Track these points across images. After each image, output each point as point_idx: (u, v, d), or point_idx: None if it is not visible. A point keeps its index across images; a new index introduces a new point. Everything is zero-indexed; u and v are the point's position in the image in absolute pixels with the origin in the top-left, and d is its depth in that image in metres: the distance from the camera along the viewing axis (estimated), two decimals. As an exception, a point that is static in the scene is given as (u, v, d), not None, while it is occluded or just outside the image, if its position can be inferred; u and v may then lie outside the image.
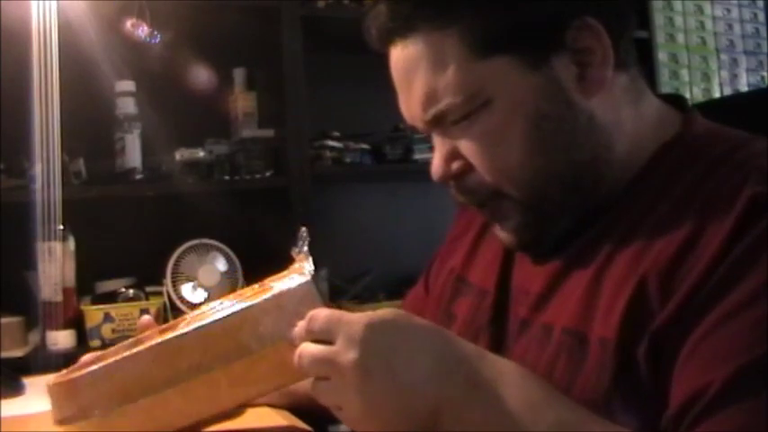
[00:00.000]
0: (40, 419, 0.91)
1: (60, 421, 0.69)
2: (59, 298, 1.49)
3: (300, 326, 0.62)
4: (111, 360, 0.69)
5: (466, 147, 0.67)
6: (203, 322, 0.68)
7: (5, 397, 1.00)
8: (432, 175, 0.70)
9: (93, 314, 1.56)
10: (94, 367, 0.69)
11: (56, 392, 0.70)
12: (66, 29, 1.40)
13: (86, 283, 1.64)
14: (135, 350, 0.69)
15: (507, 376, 0.57)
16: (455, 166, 0.68)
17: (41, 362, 1.36)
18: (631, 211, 0.65)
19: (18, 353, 1.48)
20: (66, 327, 1.52)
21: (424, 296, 0.89)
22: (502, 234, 0.71)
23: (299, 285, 0.67)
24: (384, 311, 0.59)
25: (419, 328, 0.59)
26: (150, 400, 0.67)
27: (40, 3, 1.35)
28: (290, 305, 0.65)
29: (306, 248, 0.71)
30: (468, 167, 0.68)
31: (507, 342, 0.70)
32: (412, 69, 0.67)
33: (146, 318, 0.81)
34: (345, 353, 0.57)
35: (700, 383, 0.52)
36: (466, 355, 0.58)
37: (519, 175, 0.66)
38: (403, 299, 0.98)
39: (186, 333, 0.68)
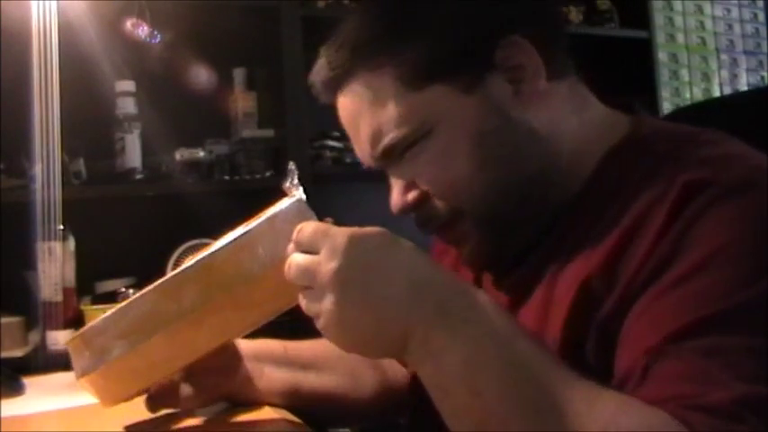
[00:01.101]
0: (40, 419, 0.91)
1: (82, 374, 0.71)
2: (59, 298, 1.48)
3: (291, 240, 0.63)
4: (120, 305, 0.71)
5: (418, 175, 0.70)
6: (203, 254, 0.70)
7: (5, 397, 1.00)
8: (392, 209, 0.73)
9: (93, 314, 1.55)
10: (106, 314, 0.71)
11: (74, 346, 0.71)
12: (66, 29, 1.40)
13: (86, 283, 1.64)
14: (142, 291, 0.71)
15: (479, 308, 0.57)
16: (411, 196, 0.72)
17: (41, 362, 1.35)
18: (583, 216, 0.67)
19: (18, 353, 1.47)
20: (66, 327, 1.52)
21: None
22: (464, 256, 0.73)
23: (291, 204, 0.68)
24: (371, 228, 0.60)
25: (402, 248, 0.60)
26: (162, 336, 0.69)
27: (40, 3, 1.35)
28: (284, 225, 0.66)
29: (296, 181, 0.72)
30: (424, 196, 0.71)
31: None
32: (356, 113, 0.71)
33: None
34: (326, 263, 0.58)
35: (639, 350, 0.54)
36: (442, 281, 0.59)
37: (471, 192, 0.68)
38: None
39: (188, 266, 0.70)
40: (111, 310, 0.71)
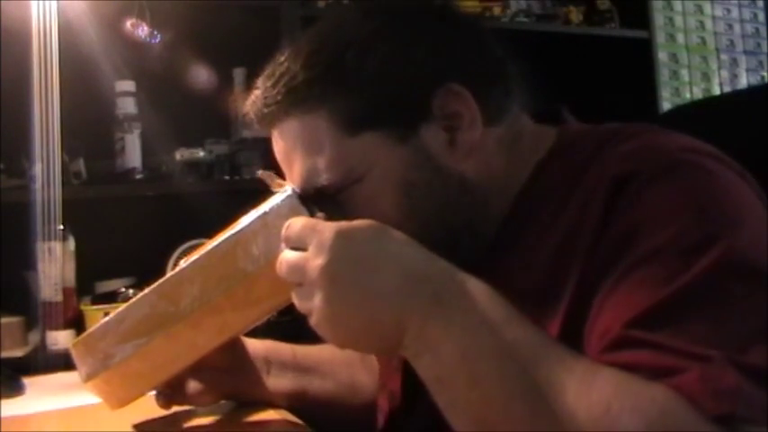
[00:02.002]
0: (40, 419, 0.91)
1: (87, 378, 0.72)
2: (59, 298, 1.48)
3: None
4: (118, 311, 0.71)
5: (348, 219, 0.68)
6: (199, 254, 0.71)
7: (5, 397, 1.00)
8: None
9: (93, 314, 1.55)
10: (106, 318, 0.71)
11: (77, 351, 0.72)
12: (66, 29, 1.40)
13: (86, 283, 1.64)
14: (139, 294, 0.71)
15: (473, 296, 0.57)
16: None
17: (41, 362, 1.35)
18: (518, 235, 0.67)
19: (18, 353, 1.47)
20: (66, 327, 1.52)
21: None
22: None
23: (282, 201, 0.68)
24: (360, 221, 0.60)
25: (392, 239, 0.59)
26: (162, 337, 0.70)
27: (40, 3, 1.35)
28: (276, 221, 0.66)
29: (275, 179, 0.74)
30: None
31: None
32: (290, 151, 0.70)
33: None
34: (315, 258, 0.58)
35: (603, 342, 0.54)
36: (435, 271, 0.58)
37: None
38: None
39: (184, 267, 0.71)
40: (110, 314, 0.72)
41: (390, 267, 0.58)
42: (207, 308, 0.69)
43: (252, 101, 0.73)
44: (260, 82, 0.73)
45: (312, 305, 0.58)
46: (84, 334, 0.73)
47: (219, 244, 0.70)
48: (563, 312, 0.60)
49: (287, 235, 0.62)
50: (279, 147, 0.72)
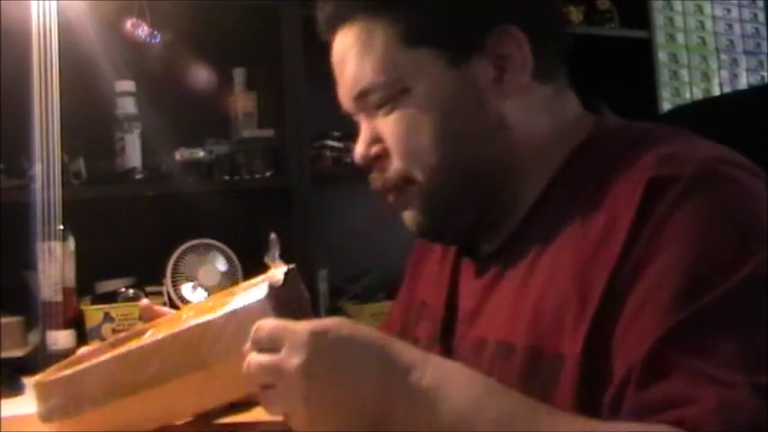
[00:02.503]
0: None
1: (44, 418, 0.74)
2: (59, 298, 1.48)
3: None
4: (81, 366, 0.74)
5: (384, 130, 0.72)
6: (163, 334, 0.72)
7: (5, 397, 1.00)
8: (354, 156, 0.76)
9: (93, 314, 1.56)
10: (68, 372, 0.74)
11: (39, 391, 0.75)
12: (66, 29, 1.40)
13: (86, 283, 1.64)
14: (103, 358, 0.74)
15: (452, 377, 0.57)
16: (374, 149, 0.74)
17: (41, 362, 1.35)
18: (548, 218, 0.68)
19: (18, 353, 1.47)
20: (66, 327, 1.52)
21: (395, 324, 0.91)
22: (406, 217, 0.75)
23: (256, 302, 0.69)
24: (329, 320, 0.60)
25: (363, 336, 0.59)
26: (116, 405, 0.72)
27: (40, 3, 1.35)
28: (246, 321, 0.65)
29: (277, 254, 0.74)
30: (385, 152, 0.73)
31: (453, 358, 0.71)
32: (346, 53, 0.73)
33: (144, 301, 0.89)
34: (290, 359, 0.57)
35: (631, 360, 0.54)
36: (410, 361, 0.58)
37: (426, 160, 0.70)
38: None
39: (149, 343, 0.73)
40: (74, 368, 0.74)
41: (366, 363, 0.57)
42: (164, 388, 0.70)
43: (321, 5, 0.76)
44: None
45: (291, 407, 0.58)
46: (49, 376, 0.75)
47: (185, 330, 0.71)
48: (591, 317, 0.59)
49: (256, 338, 0.60)
50: (336, 52, 0.75)
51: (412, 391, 0.56)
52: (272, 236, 0.75)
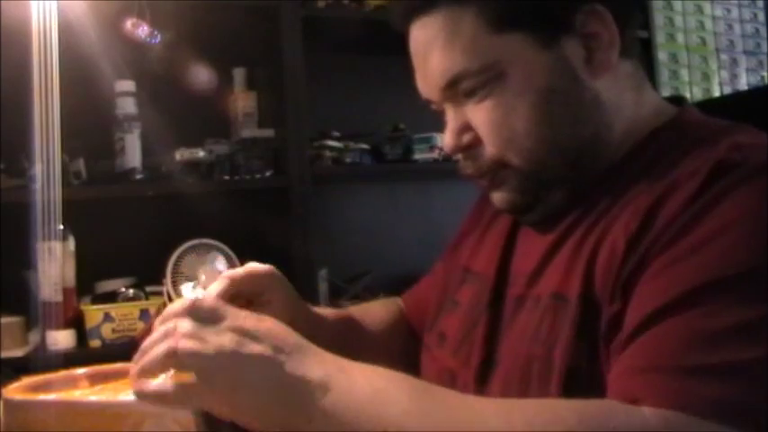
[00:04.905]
0: (39, 419, 0.91)
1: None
2: (59, 298, 1.49)
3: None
4: (37, 398, 0.76)
5: (476, 117, 0.71)
6: (99, 397, 0.74)
7: (5, 397, 1.00)
8: (444, 147, 0.75)
9: (93, 314, 1.56)
10: (18, 398, 0.76)
11: (3, 406, 0.76)
12: (66, 29, 1.40)
13: (86, 283, 1.64)
14: (59, 397, 0.76)
15: (353, 369, 0.59)
16: (465, 138, 0.73)
17: (41, 362, 1.36)
18: (616, 186, 0.69)
19: (18, 353, 1.48)
20: (66, 327, 1.52)
21: (434, 284, 0.93)
22: (497, 197, 0.75)
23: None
24: (282, 328, 0.62)
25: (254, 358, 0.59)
26: None
27: (40, 3, 1.35)
28: (169, 412, 0.67)
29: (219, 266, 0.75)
30: (476, 140, 0.72)
31: (503, 322, 0.73)
32: (431, 42, 0.71)
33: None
34: (221, 336, 0.59)
35: (648, 308, 0.57)
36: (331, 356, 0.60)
37: (524, 145, 0.70)
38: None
39: (82, 402, 0.74)
40: (32, 395, 0.77)
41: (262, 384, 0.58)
42: None
43: None
44: None
45: (215, 340, 0.58)
46: (12, 393, 0.77)
47: (117, 403, 0.71)
48: (626, 273, 0.61)
49: (195, 307, 0.61)
50: (418, 40, 0.73)
51: (334, 370, 0.58)
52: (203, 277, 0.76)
